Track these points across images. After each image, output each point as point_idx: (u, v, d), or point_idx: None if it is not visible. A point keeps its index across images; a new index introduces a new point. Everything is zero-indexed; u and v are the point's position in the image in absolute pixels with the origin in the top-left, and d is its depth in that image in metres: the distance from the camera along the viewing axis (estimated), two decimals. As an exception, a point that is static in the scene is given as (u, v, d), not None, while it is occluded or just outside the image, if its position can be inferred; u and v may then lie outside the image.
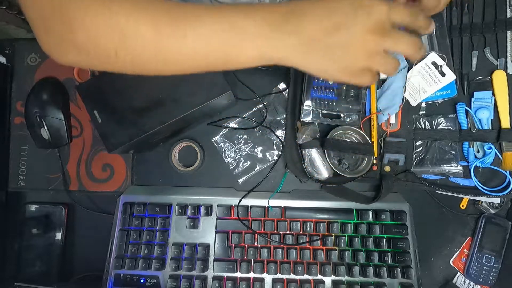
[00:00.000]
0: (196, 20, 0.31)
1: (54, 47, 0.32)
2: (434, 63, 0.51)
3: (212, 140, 0.57)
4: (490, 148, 0.50)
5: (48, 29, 0.31)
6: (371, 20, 0.31)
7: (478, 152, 0.52)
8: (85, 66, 0.35)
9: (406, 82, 0.51)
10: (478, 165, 0.51)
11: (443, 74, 0.51)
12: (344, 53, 0.32)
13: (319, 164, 0.51)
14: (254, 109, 0.57)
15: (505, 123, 0.50)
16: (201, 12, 0.32)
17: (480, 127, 0.51)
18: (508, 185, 0.50)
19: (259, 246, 0.53)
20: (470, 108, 0.51)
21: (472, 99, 0.51)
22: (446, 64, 0.51)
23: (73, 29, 0.30)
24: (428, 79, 0.51)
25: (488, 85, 0.51)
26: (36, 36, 0.32)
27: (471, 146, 0.52)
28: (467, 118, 0.51)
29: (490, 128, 0.51)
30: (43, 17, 0.30)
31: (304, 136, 0.50)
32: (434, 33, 0.52)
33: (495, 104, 0.51)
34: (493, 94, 0.51)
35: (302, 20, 0.31)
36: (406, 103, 0.53)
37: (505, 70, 0.51)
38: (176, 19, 0.31)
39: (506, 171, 0.50)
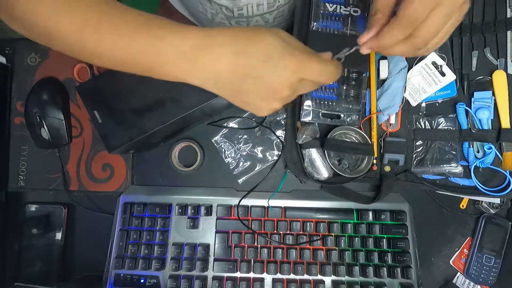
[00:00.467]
0: (117, 28, 0.32)
1: (5, 16, 0.33)
2: (434, 63, 0.51)
3: (212, 140, 0.57)
4: (490, 148, 0.50)
5: None
6: (280, 78, 0.31)
7: (478, 152, 0.52)
8: (32, 38, 0.36)
9: (406, 82, 0.51)
10: (478, 165, 0.51)
11: (443, 74, 0.51)
12: (252, 102, 0.34)
13: (319, 164, 0.50)
14: (254, 109, 0.56)
15: (505, 123, 0.50)
16: (127, 21, 0.33)
17: (480, 127, 0.51)
18: (508, 185, 0.50)
19: (259, 246, 0.53)
20: (470, 108, 0.51)
21: (472, 99, 0.51)
22: (446, 64, 0.51)
23: (11, 2, 0.31)
24: (428, 79, 0.51)
25: (488, 85, 0.51)
26: None
27: (471, 146, 0.52)
28: (467, 118, 0.51)
29: (490, 128, 0.51)
30: None
31: (304, 136, 0.50)
32: None
33: (495, 104, 0.51)
34: (493, 94, 0.51)
35: (215, 57, 0.31)
36: (406, 103, 0.52)
37: (505, 70, 0.51)
38: (106, 22, 0.32)
39: (506, 171, 0.50)
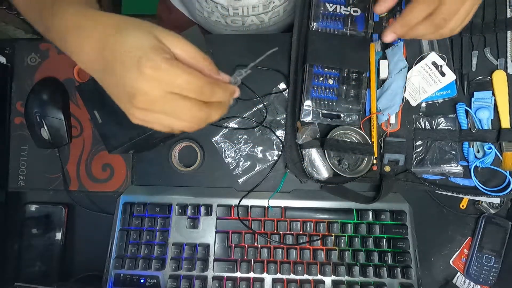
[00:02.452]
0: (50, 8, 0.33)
1: None
2: (434, 63, 0.51)
3: (212, 140, 0.57)
4: (490, 148, 0.50)
5: None
6: (141, 87, 0.27)
7: (478, 152, 0.52)
8: None
9: (406, 82, 0.51)
10: (478, 165, 0.51)
11: (443, 74, 0.51)
12: (116, 93, 0.30)
13: (319, 164, 0.51)
14: (254, 109, 0.57)
15: (505, 123, 0.50)
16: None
17: (480, 127, 0.51)
18: (508, 185, 0.50)
19: (259, 246, 0.53)
20: (470, 108, 0.51)
21: (472, 99, 0.51)
22: (446, 64, 0.51)
23: None
24: (428, 79, 0.51)
25: (488, 85, 0.51)
26: None
27: (471, 146, 0.52)
28: (467, 118, 0.51)
29: (490, 128, 0.51)
30: None
31: (304, 136, 0.50)
32: None
33: (495, 104, 0.51)
34: (493, 94, 0.51)
35: (83, 42, 0.29)
36: (406, 103, 0.53)
37: (505, 70, 0.51)
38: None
39: (506, 171, 0.50)
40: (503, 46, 0.52)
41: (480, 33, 0.52)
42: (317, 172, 0.51)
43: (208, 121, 0.31)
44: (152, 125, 0.31)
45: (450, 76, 0.51)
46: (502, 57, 0.52)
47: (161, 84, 0.27)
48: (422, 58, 0.51)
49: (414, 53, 0.53)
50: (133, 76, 0.26)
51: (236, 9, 0.52)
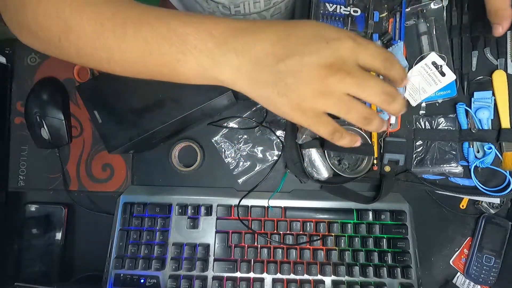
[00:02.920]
0: (138, 20, 0.30)
1: (10, 22, 0.34)
2: (434, 63, 0.51)
3: (212, 140, 0.57)
4: (490, 148, 0.50)
5: (5, 6, 0.32)
6: (332, 54, 0.27)
7: (478, 152, 0.52)
8: (39, 48, 0.35)
9: None
10: (478, 165, 0.51)
11: (443, 74, 0.50)
12: (294, 85, 0.27)
13: (319, 164, 0.50)
14: (254, 109, 0.57)
15: (505, 123, 0.50)
16: (145, 13, 0.30)
17: (480, 127, 0.51)
18: (508, 185, 0.50)
19: (259, 246, 0.53)
20: (470, 108, 0.51)
21: (472, 99, 0.51)
22: (446, 64, 0.51)
23: (24, 5, 0.31)
24: (428, 79, 0.51)
25: (488, 85, 0.51)
26: (1, 13, 0.34)
27: (471, 146, 0.52)
28: (467, 118, 0.51)
29: (490, 128, 0.51)
30: None
31: (304, 136, 0.50)
32: (434, 32, 0.52)
33: (495, 104, 0.51)
34: (493, 94, 0.51)
35: (252, 40, 0.28)
36: (406, 103, 0.52)
37: (505, 70, 0.51)
38: (120, 17, 0.30)
39: (506, 171, 0.50)
40: (503, 46, 0.52)
41: (480, 33, 0.52)
42: (317, 172, 0.51)
43: (392, 102, 0.29)
44: (333, 111, 0.29)
45: (450, 76, 0.50)
46: (502, 57, 0.51)
47: (355, 49, 0.27)
48: (422, 58, 0.51)
49: (414, 53, 0.53)
50: (322, 44, 0.27)
51: (237, 6, 0.52)
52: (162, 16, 0.30)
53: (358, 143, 0.31)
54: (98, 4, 0.31)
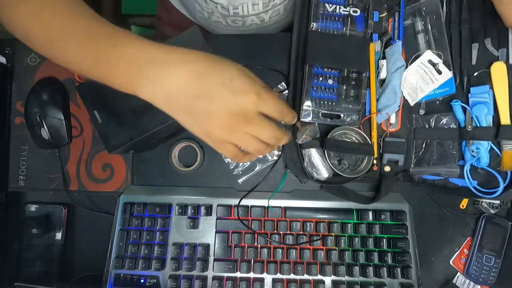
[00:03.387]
0: (77, 33, 0.33)
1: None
2: (430, 61, 0.51)
3: (212, 140, 0.57)
4: (478, 148, 0.49)
5: None
6: (238, 105, 0.31)
7: (472, 151, 0.51)
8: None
9: (402, 80, 0.51)
10: (474, 165, 0.50)
11: (439, 72, 0.50)
12: (205, 121, 0.32)
13: (319, 164, 0.51)
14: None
15: (504, 119, 0.48)
16: (93, 27, 0.34)
17: (478, 124, 0.49)
18: (505, 186, 0.49)
19: (259, 246, 0.53)
20: (468, 104, 0.50)
21: (469, 94, 0.50)
22: (445, 60, 0.50)
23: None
24: (425, 78, 0.51)
25: (486, 79, 0.49)
26: None
27: (468, 145, 0.50)
28: (464, 115, 0.50)
29: (490, 125, 0.49)
30: None
31: (304, 136, 0.50)
32: (431, 30, 0.52)
33: (494, 99, 0.49)
34: (492, 87, 0.49)
35: (166, 73, 0.31)
36: (406, 102, 0.52)
37: (507, 60, 0.49)
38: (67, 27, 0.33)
39: (496, 172, 0.48)
40: (504, 35, 0.49)
41: (479, 24, 0.50)
42: (317, 172, 0.51)
43: (280, 141, 0.36)
44: (232, 150, 0.35)
45: (447, 74, 0.50)
46: (503, 47, 0.49)
47: (257, 103, 0.32)
48: (418, 57, 0.51)
49: (412, 52, 0.52)
50: (240, 97, 0.31)
51: (236, 8, 0.52)
52: (100, 34, 0.33)
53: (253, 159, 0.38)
54: (53, 12, 0.34)
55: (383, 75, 0.52)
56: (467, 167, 0.50)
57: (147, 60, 0.31)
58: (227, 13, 0.54)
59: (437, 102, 0.53)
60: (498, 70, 0.49)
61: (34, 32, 0.34)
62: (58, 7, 0.33)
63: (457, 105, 0.50)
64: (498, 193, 0.48)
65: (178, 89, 0.31)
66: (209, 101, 0.31)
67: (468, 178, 0.50)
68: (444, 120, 0.52)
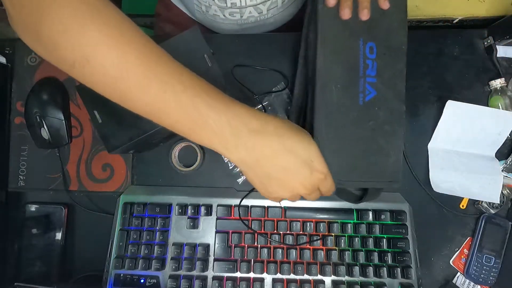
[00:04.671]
0: (164, 80, 0.31)
1: (21, 28, 0.31)
2: None
3: (212, 140, 0.57)
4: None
5: (20, 6, 0.29)
6: (311, 181, 0.36)
7: None
8: (43, 55, 0.33)
9: None
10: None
11: None
12: (276, 186, 0.36)
13: None
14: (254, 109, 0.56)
15: None
16: (177, 75, 0.31)
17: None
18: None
19: (259, 246, 0.53)
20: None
21: None
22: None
23: (41, 17, 0.28)
24: None
25: None
26: (7, 9, 0.31)
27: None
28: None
29: None
30: None
31: None
32: None
33: None
34: None
35: (261, 144, 0.34)
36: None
37: None
38: (147, 68, 0.30)
39: None
40: None
41: None
42: None
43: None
44: (283, 198, 0.39)
45: None
46: None
47: (322, 182, 0.37)
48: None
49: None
50: (313, 175, 0.36)
51: None
52: (190, 86, 0.32)
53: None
54: (129, 43, 0.30)
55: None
56: None
57: (248, 130, 0.33)
58: (224, 4, 0.54)
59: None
60: None
61: (103, 62, 0.30)
62: (136, 43, 0.31)
63: None
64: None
65: (267, 158, 0.34)
66: (289, 173, 0.35)
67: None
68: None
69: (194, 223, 0.53)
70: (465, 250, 0.54)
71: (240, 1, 0.53)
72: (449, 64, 0.56)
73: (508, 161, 0.54)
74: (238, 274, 0.52)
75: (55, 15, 0.28)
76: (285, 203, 0.54)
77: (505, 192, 0.54)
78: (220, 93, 0.34)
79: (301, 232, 0.53)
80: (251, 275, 0.52)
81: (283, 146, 0.34)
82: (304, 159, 0.35)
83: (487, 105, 0.55)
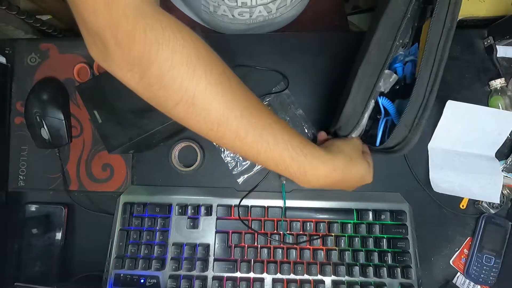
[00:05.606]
0: (263, 126, 0.35)
1: (118, 63, 0.31)
2: None
3: (212, 140, 0.57)
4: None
5: (121, 44, 0.29)
6: (360, 184, 0.44)
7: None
8: (137, 91, 0.34)
9: None
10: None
11: None
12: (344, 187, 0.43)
13: (363, 125, 0.44)
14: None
15: None
16: (274, 124, 0.36)
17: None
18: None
19: (259, 246, 0.53)
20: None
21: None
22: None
23: (151, 61, 0.30)
24: None
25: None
26: (94, 46, 0.31)
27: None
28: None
29: None
30: (117, 29, 0.29)
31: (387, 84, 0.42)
32: None
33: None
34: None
35: (326, 174, 0.39)
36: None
37: None
38: (249, 116, 0.34)
39: None
40: None
41: None
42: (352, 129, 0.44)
43: None
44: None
45: None
46: None
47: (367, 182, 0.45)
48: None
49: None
50: (359, 182, 0.43)
51: None
52: (281, 140, 0.36)
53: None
54: (232, 92, 0.33)
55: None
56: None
57: (324, 173, 0.39)
58: (234, 4, 0.54)
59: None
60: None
61: (208, 106, 0.32)
62: (240, 94, 0.34)
63: None
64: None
65: (330, 181, 0.40)
66: (347, 184, 0.42)
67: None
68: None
69: (194, 223, 0.53)
70: (465, 250, 0.54)
71: (251, 0, 0.53)
72: (449, 64, 0.56)
73: (508, 161, 0.54)
74: (238, 274, 0.52)
75: (167, 56, 0.30)
76: (285, 203, 0.54)
77: (505, 192, 0.54)
78: (301, 140, 0.38)
79: (301, 232, 0.53)
80: (251, 275, 0.52)
81: (343, 161, 0.40)
82: (356, 178, 0.43)
83: (487, 105, 0.55)
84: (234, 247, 0.53)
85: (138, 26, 0.29)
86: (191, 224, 0.53)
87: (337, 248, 0.52)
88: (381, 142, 0.44)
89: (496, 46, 0.54)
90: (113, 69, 0.32)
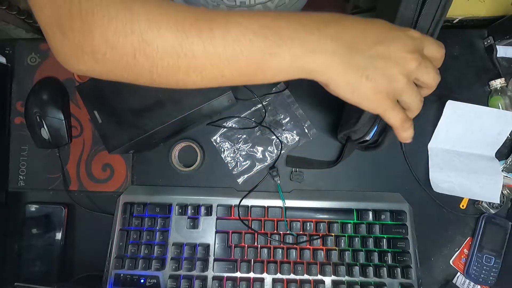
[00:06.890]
0: (225, 21, 0.29)
1: (69, 52, 0.30)
2: None
3: (212, 140, 0.57)
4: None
5: (64, 30, 0.29)
6: (412, 42, 0.31)
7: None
8: (100, 73, 0.32)
9: None
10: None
11: None
12: (383, 69, 0.30)
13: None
14: (253, 108, 0.57)
15: None
16: (230, 14, 0.30)
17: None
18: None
19: (259, 246, 0.53)
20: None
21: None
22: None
23: (90, 28, 0.28)
24: None
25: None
26: (49, 42, 0.30)
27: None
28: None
29: None
30: (59, 17, 0.28)
31: None
32: None
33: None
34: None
35: (342, 27, 0.30)
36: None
37: None
38: (203, 20, 0.30)
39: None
40: None
41: None
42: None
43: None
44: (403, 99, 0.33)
45: None
46: None
47: (422, 42, 0.32)
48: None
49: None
50: (406, 39, 0.31)
51: None
52: (248, 15, 0.30)
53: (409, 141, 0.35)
54: (177, 12, 0.30)
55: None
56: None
57: (315, 21, 0.31)
58: (233, 3, 0.54)
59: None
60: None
61: (159, 33, 0.29)
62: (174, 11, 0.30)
63: None
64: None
65: (358, 38, 0.30)
66: (387, 44, 0.31)
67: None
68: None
69: (194, 223, 0.53)
70: (465, 250, 0.54)
71: (250, 0, 0.53)
72: (449, 64, 0.56)
73: (508, 161, 0.54)
74: (238, 274, 0.52)
75: (100, 17, 0.28)
76: (285, 203, 0.54)
77: (505, 192, 0.54)
78: (264, 11, 0.32)
79: (301, 232, 0.53)
80: (251, 275, 0.52)
81: (362, 24, 0.31)
82: (388, 26, 0.32)
83: (487, 105, 0.55)
84: (234, 247, 0.53)
85: (73, 4, 0.28)
86: (191, 224, 0.53)
87: (337, 248, 0.52)
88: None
89: (496, 46, 0.54)
90: (71, 61, 0.31)
